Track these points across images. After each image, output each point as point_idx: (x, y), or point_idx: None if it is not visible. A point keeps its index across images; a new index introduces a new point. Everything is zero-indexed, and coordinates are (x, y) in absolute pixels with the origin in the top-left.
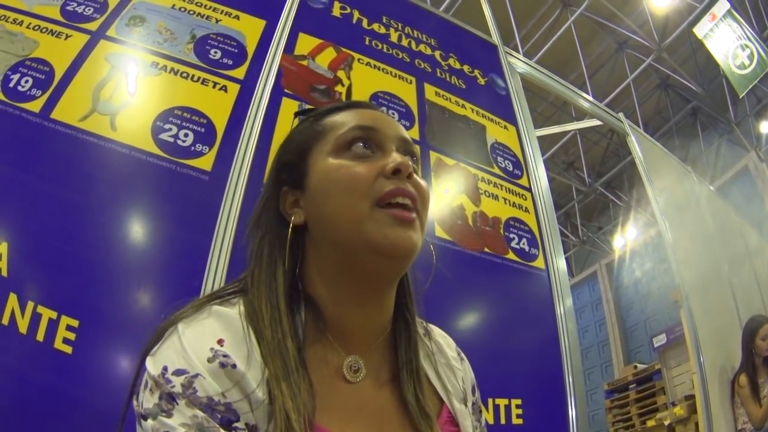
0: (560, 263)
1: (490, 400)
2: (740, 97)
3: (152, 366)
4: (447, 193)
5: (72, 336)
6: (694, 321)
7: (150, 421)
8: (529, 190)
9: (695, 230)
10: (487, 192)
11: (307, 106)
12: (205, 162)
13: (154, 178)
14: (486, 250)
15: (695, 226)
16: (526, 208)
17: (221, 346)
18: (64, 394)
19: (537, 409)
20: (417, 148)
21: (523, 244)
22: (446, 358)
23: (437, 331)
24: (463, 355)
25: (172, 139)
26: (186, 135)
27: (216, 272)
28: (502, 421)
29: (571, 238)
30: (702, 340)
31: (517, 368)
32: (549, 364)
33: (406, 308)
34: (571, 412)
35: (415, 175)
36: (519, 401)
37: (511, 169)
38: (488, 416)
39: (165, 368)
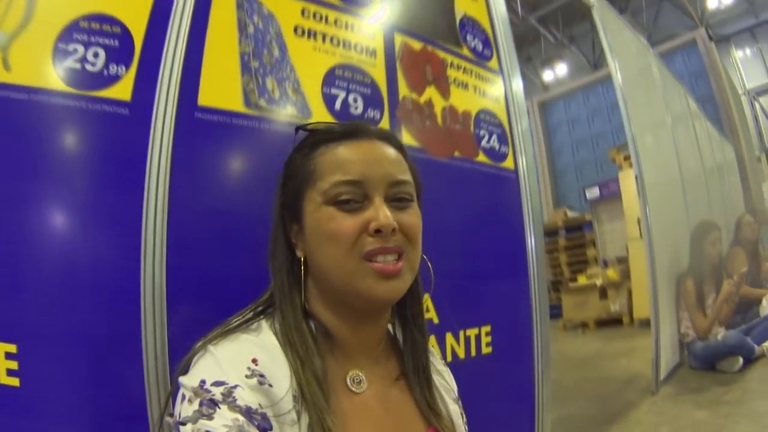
0: (529, 162)
1: (461, 333)
2: None
3: (188, 380)
4: (414, 88)
5: (14, 365)
6: (641, 166)
7: (189, 426)
8: (500, 73)
9: (642, 77)
10: (456, 80)
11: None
12: (123, 89)
13: (62, 125)
14: (456, 154)
15: (643, 73)
16: (496, 97)
17: (256, 365)
18: None
19: (505, 332)
20: (410, 184)
21: (494, 141)
22: (436, 363)
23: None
24: (444, 362)
25: (78, 65)
26: (95, 54)
27: (155, 232)
28: (473, 353)
29: None
30: (649, 197)
31: (486, 291)
32: (517, 281)
33: (413, 319)
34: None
35: (403, 215)
36: (488, 328)
37: (481, 49)
38: (460, 351)
39: (203, 381)
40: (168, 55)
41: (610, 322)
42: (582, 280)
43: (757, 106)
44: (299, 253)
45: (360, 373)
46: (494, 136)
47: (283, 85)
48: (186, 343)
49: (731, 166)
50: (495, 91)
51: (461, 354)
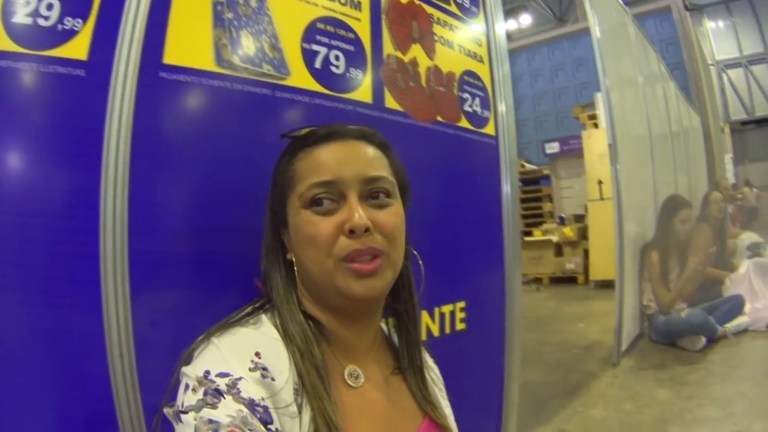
0: (508, 108)
1: (436, 310)
2: None
3: (192, 370)
4: (399, 46)
5: None
6: (615, 129)
7: (192, 414)
8: (485, 29)
9: (618, 35)
10: (442, 39)
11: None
12: (79, 46)
13: (9, 91)
14: (438, 119)
15: (618, 30)
16: (480, 57)
17: (259, 358)
18: None
19: (479, 308)
20: (386, 180)
21: (476, 105)
22: (427, 358)
23: None
24: (434, 359)
25: (30, 20)
26: (49, 6)
27: (115, 213)
28: (447, 330)
29: None
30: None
31: (463, 265)
32: (492, 254)
33: (407, 313)
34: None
35: (380, 213)
36: (463, 304)
37: (468, 5)
38: (434, 329)
39: (207, 371)
40: (131, 5)
41: (565, 279)
42: (537, 234)
43: (725, 78)
44: (290, 256)
45: (357, 369)
46: (477, 100)
47: (259, 39)
48: (154, 336)
49: (696, 134)
50: (480, 50)
51: (436, 332)
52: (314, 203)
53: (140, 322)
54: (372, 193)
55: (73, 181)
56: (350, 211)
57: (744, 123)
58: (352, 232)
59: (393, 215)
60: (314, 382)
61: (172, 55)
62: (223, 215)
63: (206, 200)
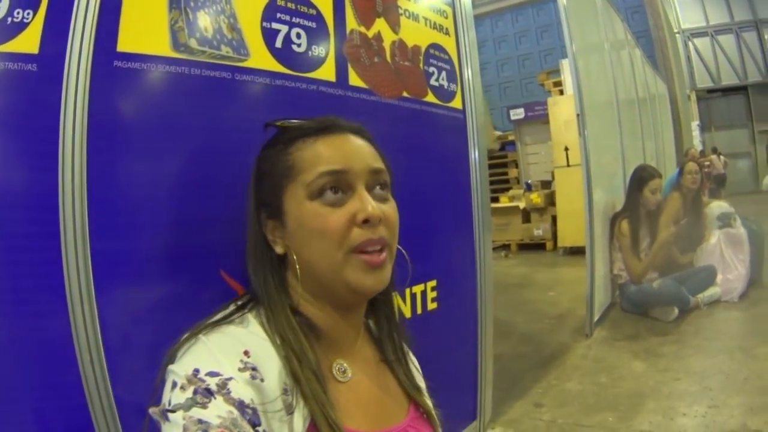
0: (478, 102)
1: (407, 291)
2: None
3: (180, 368)
4: (363, 20)
5: None
6: (580, 83)
7: (181, 412)
8: (452, 4)
9: (584, 1)
10: (407, 11)
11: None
12: (29, 40)
13: None
14: (404, 94)
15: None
16: (446, 29)
17: (248, 357)
18: None
19: (450, 286)
20: (386, 173)
21: (443, 79)
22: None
23: None
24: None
25: None
26: None
27: (74, 214)
28: (419, 310)
29: None
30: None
31: (433, 244)
32: (462, 231)
33: (386, 304)
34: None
35: (384, 206)
36: (434, 283)
37: None
38: (406, 310)
39: (197, 370)
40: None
41: (533, 246)
42: (504, 200)
43: (691, 46)
44: (279, 249)
45: (344, 363)
46: (443, 73)
47: (217, 20)
48: (123, 338)
49: (663, 101)
50: (446, 23)
51: (407, 313)
52: (321, 194)
53: (108, 324)
54: (377, 183)
55: (28, 183)
56: (362, 201)
57: (710, 91)
58: (366, 222)
59: (393, 209)
60: (313, 387)
61: (126, 43)
62: (188, 207)
63: (169, 193)
